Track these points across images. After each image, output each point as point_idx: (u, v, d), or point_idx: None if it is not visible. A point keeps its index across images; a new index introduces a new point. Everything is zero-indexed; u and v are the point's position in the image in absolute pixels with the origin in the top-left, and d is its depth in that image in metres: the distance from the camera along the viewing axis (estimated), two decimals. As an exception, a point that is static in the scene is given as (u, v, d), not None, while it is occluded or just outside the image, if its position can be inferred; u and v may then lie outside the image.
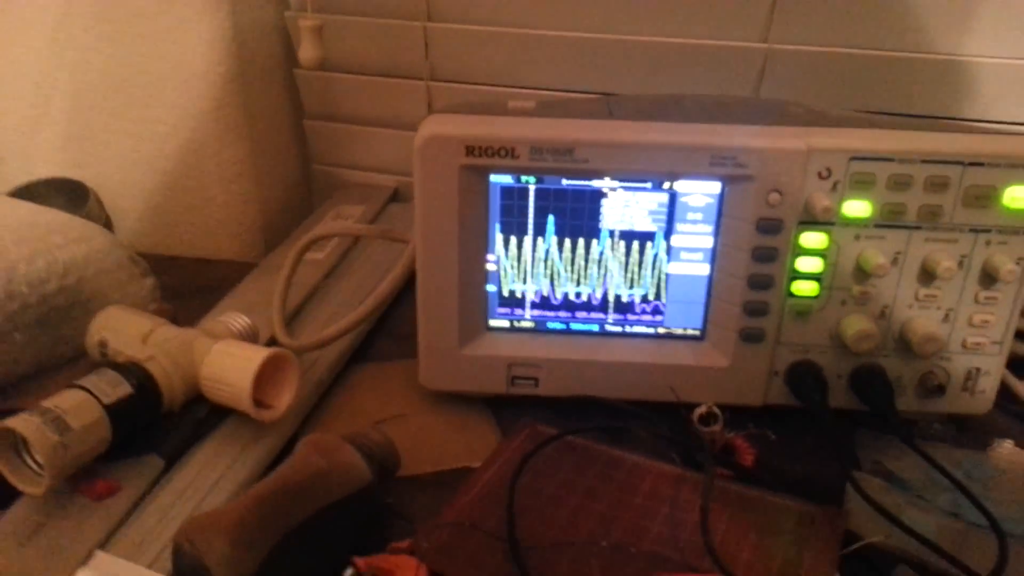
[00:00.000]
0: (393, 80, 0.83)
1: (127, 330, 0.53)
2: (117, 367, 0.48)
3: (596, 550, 0.45)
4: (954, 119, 0.72)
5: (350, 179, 0.92)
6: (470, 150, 0.51)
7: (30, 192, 0.73)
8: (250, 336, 0.56)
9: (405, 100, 0.84)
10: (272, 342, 0.60)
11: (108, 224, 0.76)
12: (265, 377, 0.51)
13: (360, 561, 0.42)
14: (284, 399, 0.52)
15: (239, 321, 0.56)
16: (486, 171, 0.53)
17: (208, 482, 0.47)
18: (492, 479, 0.50)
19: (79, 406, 0.45)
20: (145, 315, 0.54)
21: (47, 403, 0.44)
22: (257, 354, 0.50)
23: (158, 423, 0.50)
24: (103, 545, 0.43)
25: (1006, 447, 0.56)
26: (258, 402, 0.51)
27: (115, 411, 0.46)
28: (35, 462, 0.44)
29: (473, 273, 0.56)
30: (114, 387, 0.47)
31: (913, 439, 0.51)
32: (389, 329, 0.69)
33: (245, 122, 0.76)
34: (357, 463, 0.44)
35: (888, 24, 0.70)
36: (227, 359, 0.50)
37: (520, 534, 0.45)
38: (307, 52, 0.66)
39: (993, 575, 0.42)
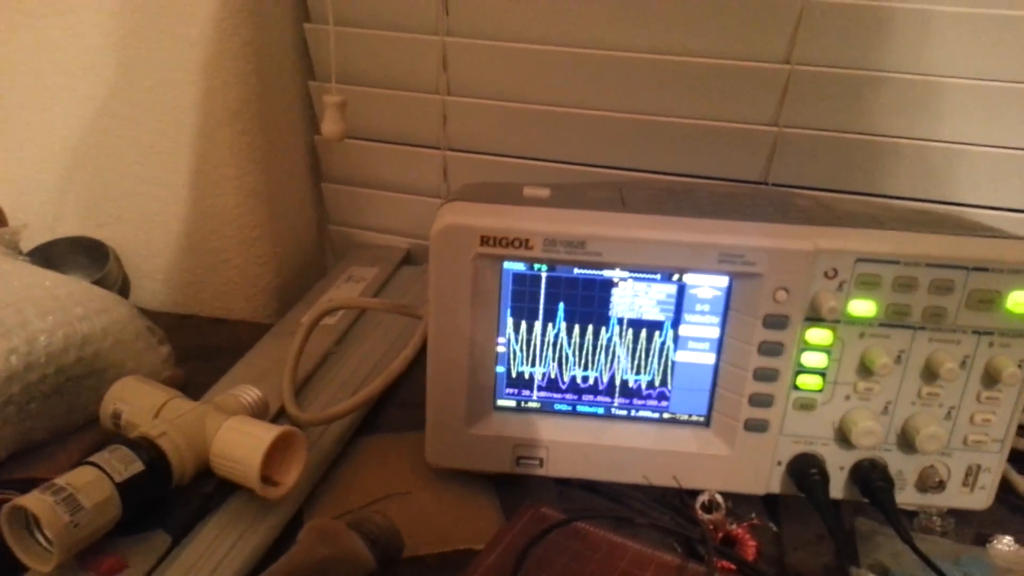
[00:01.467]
0: (411, 148, 0.85)
1: (141, 402, 0.54)
2: (129, 443, 0.49)
3: (595, 647, 0.45)
4: (962, 205, 0.73)
5: (364, 240, 0.93)
6: (485, 240, 0.52)
7: (51, 251, 0.75)
8: (260, 409, 0.57)
9: (422, 168, 0.86)
10: (282, 412, 0.61)
11: (126, 283, 0.77)
12: (274, 454, 0.51)
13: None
14: (291, 476, 0.52)
15: (250, 394, 0.57)
16: (500, 259, 0.54)
17: (214, 560, 0.48)
18: (492, 567, 0.50)
19: (91, 484, 0.46)
20: (159, 387, 0.55)
21: (60, 481, 0.45)
22: (267, 433, 0.50)
23: (166, 498, 0.51)
24: (108, 625, 0.44)
25: (1005, 543, 0.56)
26: (265, 478, 0.51)
27: (126, 489, 0.47)
28: (45, 538, 0.45)
29: (483, 355, 0.56)
30: (126, 464, 0.48)
31: (911, 537, 0.51)
32: (397, 398, 0.69)
33: (265, 188, 0.78)
34: (360, 551, 0.45)
35: (898, 111, 0.71)
36: (238, 436, 0.51)
37: (520, 627, 0.45)
38: (330, 126, 0.68)
39: None
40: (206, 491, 0.52)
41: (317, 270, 0.93)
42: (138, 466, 0.48)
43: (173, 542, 0.49)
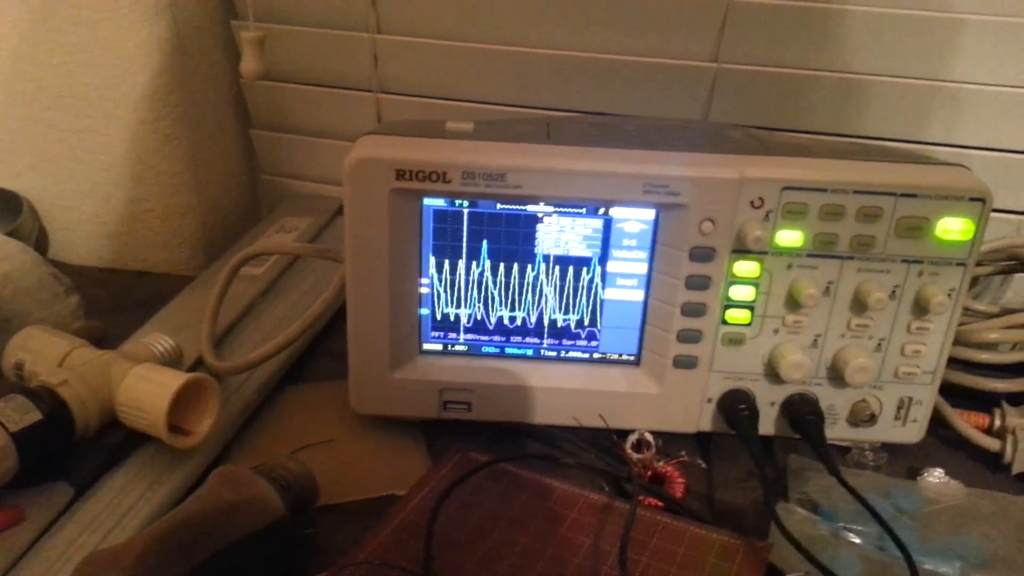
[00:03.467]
0: (342, 91, 0.82)
1: (44, 352, 0.51)
2: (27, 392, 0.47)
3: (515, 586, 0.44)
4: (907, 141, 0.72)
5: (299, 190, 0.90)
6: (400, 174, 0.50)
7: (-41, 202, 0.71)
8: (173, 358, 0.55)
9: (354, 111, 0.83)
10: (200, 362, 0.59)
11: (43, 235, 0.74)
12: (185, 402, 0.49)
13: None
14: (204, 425, 0.50)
15: (162, 343, 0.54)
16: (418, 194, 0.52)
17: (118, 512, 0.46)
18: (415, 510, 0.49)
19: (-18, 434, 0.43)
20: (64, 336, 0.53)
21: (-53, 431, 0.43)
22: (174, 380, 0.48)
23: (70, 450, 0.48)
24: (2, 579, 0.42)
25: (936, 475, 0.56)
26: (178, 428, 0.49)
27: (23, 439, 0.45)
28: (-67, 492, 0.42)
29: (405, 296, 0.55)
30: (22, 414, 0.45)
31: (839, 470, 0.50)
32: (327, 347, 0.67)
33: (185, 132, 0.75)
34: (269, 496, 0.43)
35: (839, 45, 0.70)
36: (143, 384, 0.49)
37: (438, 568, 0.44)
38: (248, 64, 0.65)
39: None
40: (112, 441, 0.50)
41: (250, 222, 0.89)
42: (35, 415, 0.46)
43: (76, 494, 0.47)
